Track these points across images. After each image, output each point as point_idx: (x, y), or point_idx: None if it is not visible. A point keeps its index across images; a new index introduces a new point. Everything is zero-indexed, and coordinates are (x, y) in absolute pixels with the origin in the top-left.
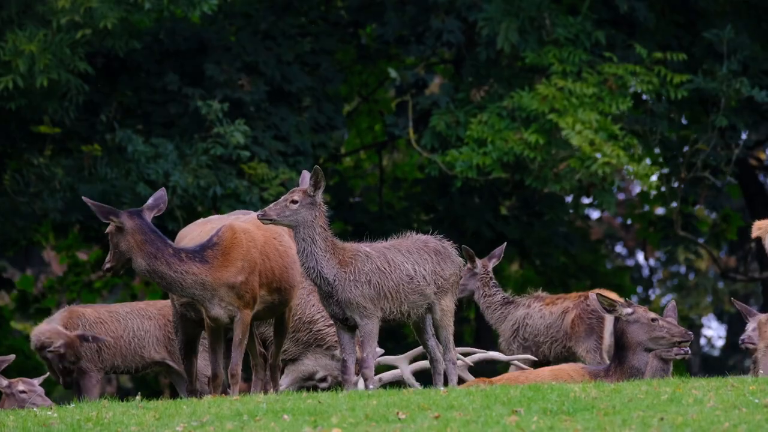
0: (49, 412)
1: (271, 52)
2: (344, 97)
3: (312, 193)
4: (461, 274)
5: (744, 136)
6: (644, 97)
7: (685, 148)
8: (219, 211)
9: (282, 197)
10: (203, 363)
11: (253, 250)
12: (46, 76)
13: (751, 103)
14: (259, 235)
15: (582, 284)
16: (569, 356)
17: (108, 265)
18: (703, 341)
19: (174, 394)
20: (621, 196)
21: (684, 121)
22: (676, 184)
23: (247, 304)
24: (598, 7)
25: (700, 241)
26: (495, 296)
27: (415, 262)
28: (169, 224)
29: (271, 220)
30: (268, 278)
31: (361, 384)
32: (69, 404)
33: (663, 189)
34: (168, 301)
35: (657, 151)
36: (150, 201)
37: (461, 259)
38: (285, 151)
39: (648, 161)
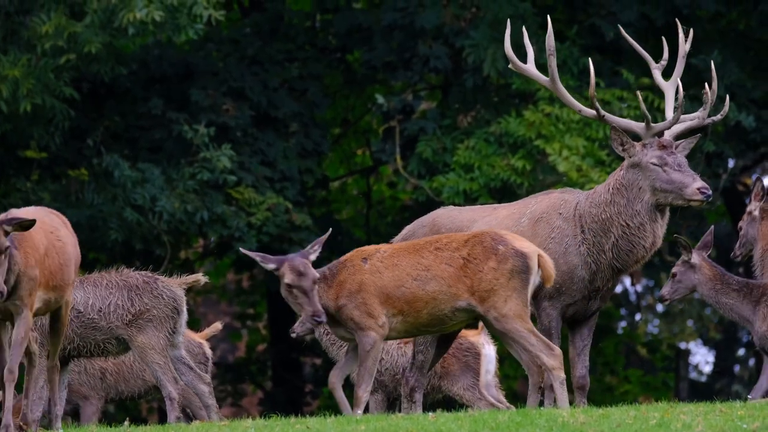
0: None
1: (257, 78)
2: (328, 122)
3: None
4: (173, 308)
5: (731, 164)
6: None
7: None
8: (205, 237)
9: None
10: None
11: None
12: (29, 101)
13: (738, 129)
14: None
15: None
16: None
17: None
18: (690, 367)
19: (162, 419)
20: None
21: None
22: None
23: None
24: (584, 34)
25: None
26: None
27: (98, 296)
28: (156, 249)
29: None
30: (46, 276)
31: None
32: (58, 429)
33: None
34: None
35: None
36: None
37: (178, 292)
38: (272, 177)
39: None
